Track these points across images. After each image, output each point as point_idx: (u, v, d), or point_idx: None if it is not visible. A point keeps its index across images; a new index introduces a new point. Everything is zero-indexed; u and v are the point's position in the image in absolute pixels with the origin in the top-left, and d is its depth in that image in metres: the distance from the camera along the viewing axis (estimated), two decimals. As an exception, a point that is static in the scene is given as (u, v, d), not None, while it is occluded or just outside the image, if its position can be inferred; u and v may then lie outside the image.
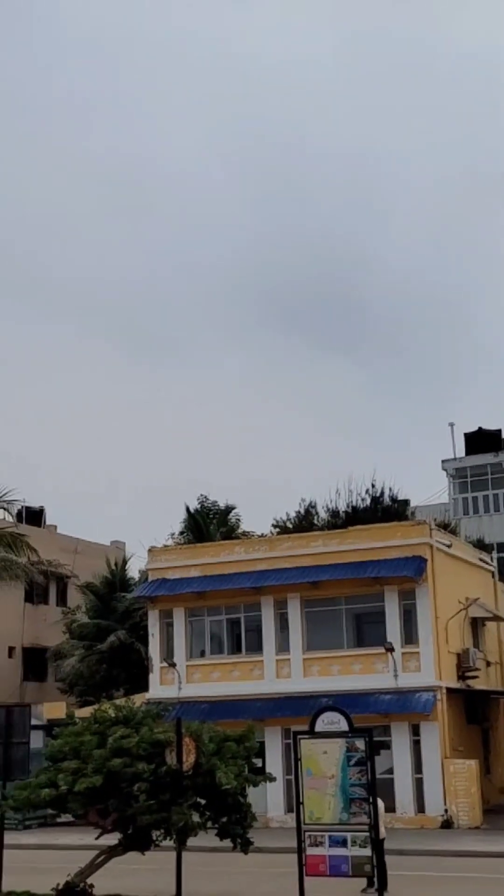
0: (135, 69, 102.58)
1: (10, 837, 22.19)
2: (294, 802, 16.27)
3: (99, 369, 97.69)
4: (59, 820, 31.33)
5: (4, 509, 24.18)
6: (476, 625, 37.43)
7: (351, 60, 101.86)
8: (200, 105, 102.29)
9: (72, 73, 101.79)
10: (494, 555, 44.63)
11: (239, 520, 48.83)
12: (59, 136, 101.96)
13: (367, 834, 15.27)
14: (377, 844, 15.61)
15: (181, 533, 47.71)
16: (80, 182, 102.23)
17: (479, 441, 58.73)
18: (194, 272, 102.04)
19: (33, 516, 49.74)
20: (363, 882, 18.36)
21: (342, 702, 27.90)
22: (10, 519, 34.61)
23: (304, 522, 47.24)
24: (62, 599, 50.19)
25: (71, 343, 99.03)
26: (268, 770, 24.28)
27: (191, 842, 17.61)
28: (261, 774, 18.81)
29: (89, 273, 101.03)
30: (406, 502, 47.02)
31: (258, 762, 19.93)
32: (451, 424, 59.62)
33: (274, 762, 32.35)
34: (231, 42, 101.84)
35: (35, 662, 48.36)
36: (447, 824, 31.23)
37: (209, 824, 17.73)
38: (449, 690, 33.24)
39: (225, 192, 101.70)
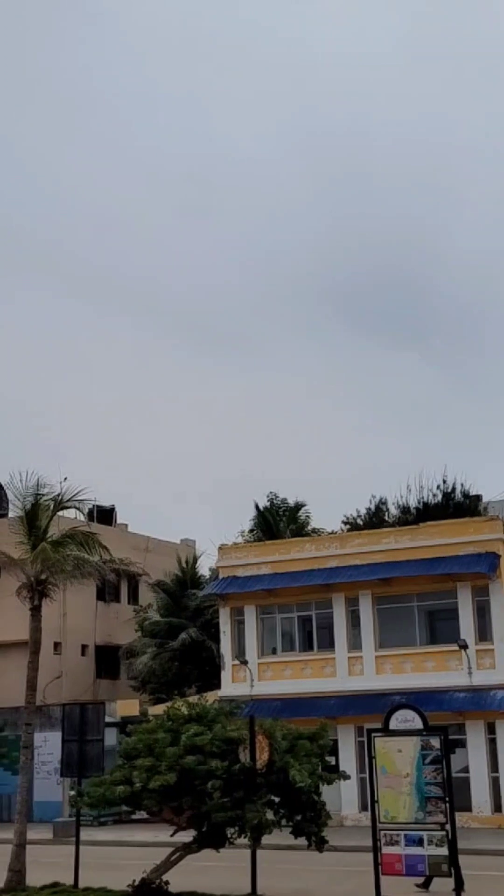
0: (199, 62, 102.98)
1: (85, 834, 22.44)
2: (368, 801, 16.15)
3: (166, 367, 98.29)
4: (133, 817, 31.59)
5: (76, 508, 24.31)
6: (551, 621, 36.87)
7: (416, 44, 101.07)
8: (263, 98, 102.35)
9: (137, 69, 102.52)
10: None
11: (309, 517, 48.70)
12: (124, 133, 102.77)
13: (444, 833, 15.11)
14: (454, 844, 15.43)
15: (251, 531, 47.73)
16: (144, 178, 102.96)
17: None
18: (260, 267, 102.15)
19: (104, 515, 50.14)
20: (441, 882, 18.16)
21: (415, 700, 27.71)
22: (82, 518, 34.95)
23: (375, 519, 46.96)
24: (134, 597, 50.53)
25: (137, 341, 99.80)
26: (341, 768, 24.13)
27: (265, 839, 17.59)
28: (334, 772, 18.73)
29: (154, 270, 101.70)
30: (478, 498, 46.44)
31: (331, 760, 19.81)
32: (524, 418, 58.82)
33: (347, 760, 32.21)
34: (294, 31, 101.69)
35: (108, 660, 48.75)
36: (524, 824, 30.82)
37: (283, 822, 17.70)
38: (524, 688, 32.80)
39: (289, 185, 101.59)
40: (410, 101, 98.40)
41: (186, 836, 18.31)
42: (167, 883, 17.89)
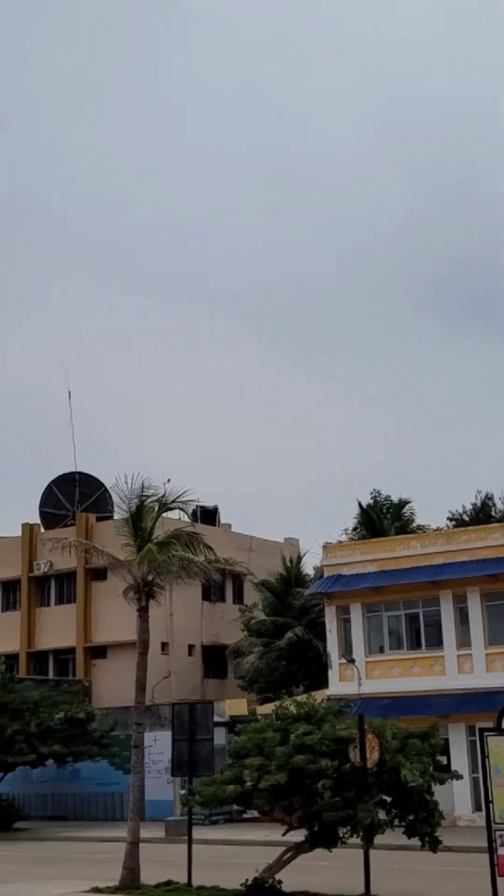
0: (286, 59, 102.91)
1: (197, 832, 22.57)
2: (482, 800, 15.86)
3: (265, 366, 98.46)
4: (244, 816, 31.65)
5: (181, 509, 24.44)
6: None
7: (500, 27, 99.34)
8: (349, 95, 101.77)
9: (227, 69, 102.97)
10: None
11: (413, 514, 48.24)
12: (214, 133, 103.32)
13: None
14: None
15: (354, 529, 47.48)
16: (237, 179, 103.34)
17: None
18: (354, 265, 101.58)
19: (207, 516, 50.42)
20: None
21: (528, 697, 27.15)
22: (186, 519, 35.18)
23: (481, 515, 46.29)
24: (239, 597, 50.71)
25: (236, 342, 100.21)
26: (453, 768, 23.79)
27: (377, 839, 17.44)
28: (446, 772, 18.48)
29: (248, 271, 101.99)
30: None
31: (443, 759, 19.55)
32: None
33: (459, 759, 31.76)
34: (376, 27, 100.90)
35: (215, 660, 49.04)
36: None
37: (395, 822, 17.53)
38: None
39: (379, 182, 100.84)
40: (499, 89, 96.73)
41: (298, 835, 18.26)
42: (280, 882, 17.86)
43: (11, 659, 46.41)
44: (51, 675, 48.27)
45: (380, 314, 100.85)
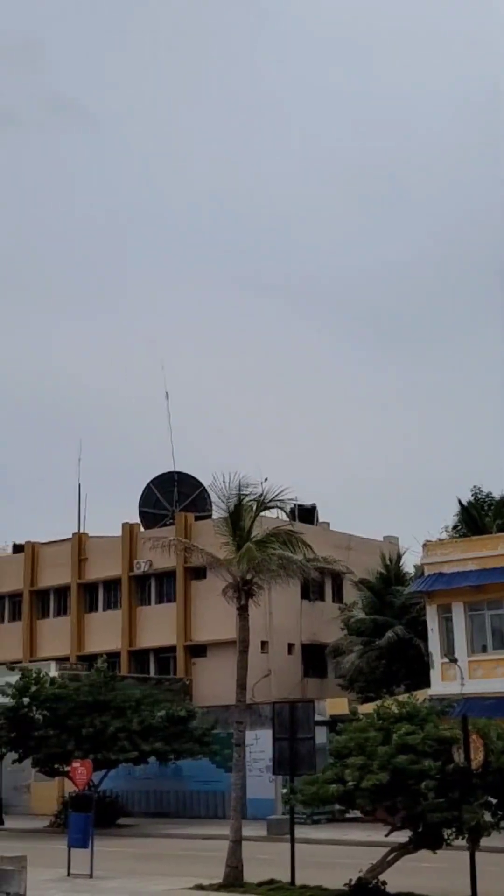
0: (375, 55, 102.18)
1: (299, 831, 22.50)
2: None
3: (360, 363, 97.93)
4: (347, 816, 31.47)
5: (279, 508, 24.40)
6: None
7: None
8: (448, 88, 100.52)
9: (318, 67, 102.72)
10: None
11: (516, 510, 47.31)
12: (312, 132, 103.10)
13: None
14: None
15: (454, 527, 46.84)
16: (332, 176, 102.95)
17: None
18: (448, 259, 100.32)
19: (306, 514, 50.30)
20: None
21: None
22: (284, 517, 35.15)
23: None
24: (338, 596, 50.50)
25: (328, 338, 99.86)
26: None
27: (483, 841, 17.15)
28: None
29: (344, 269, 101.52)
30: None
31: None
32: None
33: None
34: (480, 21, 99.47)
35: (314, 658, 48.92)
36: None
37: (501, 824, 17.23)
38: None
39: (477, 175, 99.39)
40: None
41: (401, 836, 18.07)
42: (384, 883, 17.69)
43: (113, 657, 47.01)
44: (152, 673, 48.74)
45: (475, 304, 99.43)
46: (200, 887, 19.75)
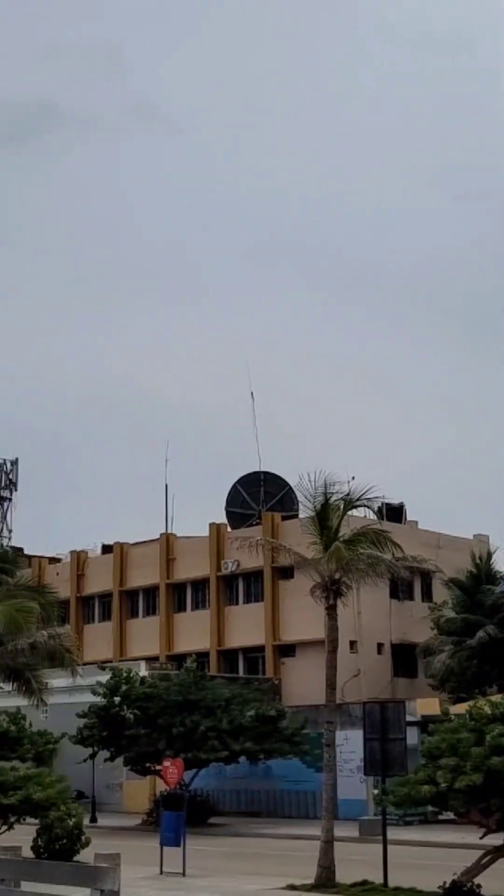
0: (468, 54, 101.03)
1: (391, 833, 22.28)
2: None
3: (449, 359, 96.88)
4: (440, 817, 31.09)
5: (366, 506, 24.22)
6: None
7: None
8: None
9: (413, 65, 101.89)
10: None
11: None
12: (393, 128, 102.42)
13: None
14: None
15: (546, 524, 46.05)
16: (417, 174, 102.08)
17: None
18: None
19: (393, 513, 49.88)
20: None
21: None
22: (372, 516, 34.89)
23: None
24: (427, 595, 49.98)
25: (414, 336, 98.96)
26: None
27: None
28: None
29: (427, 268, 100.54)
30: None
31: None
32: None
33: None
34: None
35: (404, 658, 48.51)
36: None
37: None
38: None
39: None
40: None
41: (496, 839, 17.76)
42: (479, 886, 17.41)
43: (202, 657, 47.23)
44: (241, 672, 48.84)
45: None
46: (293, 887, 19.69)
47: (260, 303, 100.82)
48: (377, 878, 19.52)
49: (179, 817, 22.41)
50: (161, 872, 21.77)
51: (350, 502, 22.07)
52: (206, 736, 35.45)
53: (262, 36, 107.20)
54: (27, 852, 19.50)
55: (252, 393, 55.63)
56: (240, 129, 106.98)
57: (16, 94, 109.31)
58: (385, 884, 19.32)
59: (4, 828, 24.23)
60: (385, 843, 20.37)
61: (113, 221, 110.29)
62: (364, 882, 19.53)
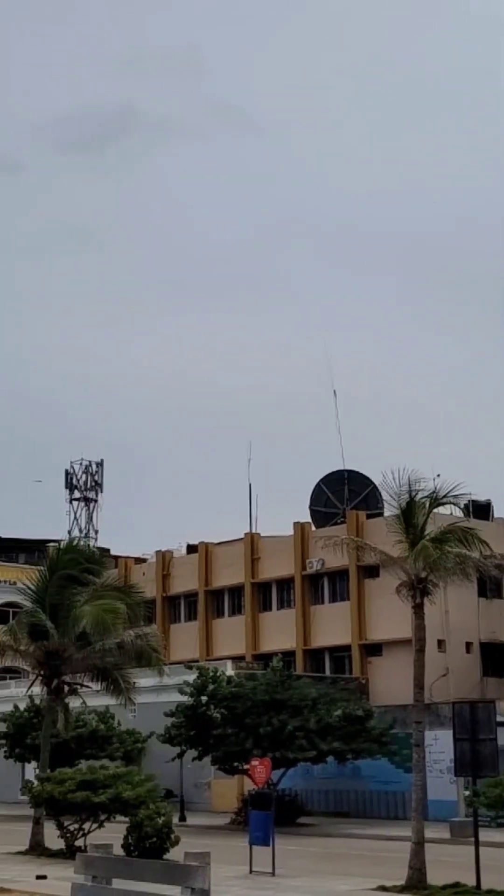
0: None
1: (483, 834, 21.93)
2: None
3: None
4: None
5: (452, 504, 23.90)
6: None
7: None
8: None
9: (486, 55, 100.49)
10: None
11: None
12: (474, 124, 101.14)
13: None
14: None
15: None
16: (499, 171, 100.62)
17: None
18: None
19: (480, 510, 49.21)
20: None
21: None
22: (459, 513, 34.46)
23: None
24: (516, 593, 49.25)
25: (498, 329, 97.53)
26: None
27: None
28: None
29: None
30: None
31: None
32: None
33: None
34: None
35: (494, 658, 47.82)
36: None
37: None
38: None
39: None
40: None
41: None
42: None
43: (288, 656, 47.14)
44: (327, 672, 48.66)
45: None
46: (383, 888, 19.51)
47: (342, 301, 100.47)
48: (469, 881, 19.23)
49: (268, 817, 22.34)
50: (251, 872, 21.74)
51: (436, 500, 21.79)
52: (294, 735, 35.36)
53: (340, 34, 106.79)
54: (118, 850, 19.64)
55: (335, 391, 55.47)
56: (320, 127, 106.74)
57: (96, 99, 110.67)
58: (478, 886, 19.02)
59: (95, 826, 24.49)
60: (477, 845, 20.04)
61: (194, 223, 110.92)
62: (456, 884, 19.26)
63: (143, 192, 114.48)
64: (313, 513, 53.08)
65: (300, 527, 51.09)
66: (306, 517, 52.59)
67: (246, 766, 32.13)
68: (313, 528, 51.59)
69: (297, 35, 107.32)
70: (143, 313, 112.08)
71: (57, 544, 30.86)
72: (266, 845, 21.89)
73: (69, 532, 70.37)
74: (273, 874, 21.31)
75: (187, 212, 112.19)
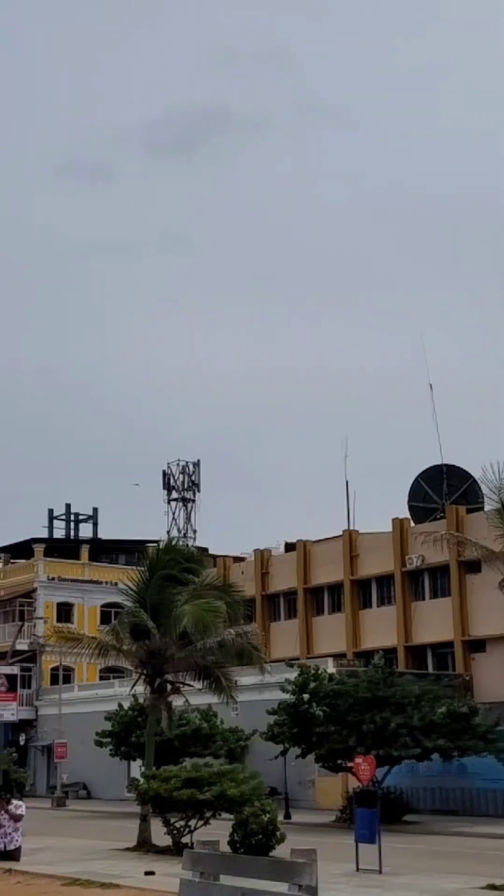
0: None
1: None
2: None
3: None
4: None
5: None
6: None
7: None
8: None
9: None
10: None
11: None
12: None
13: None
14: None
15: None
16: None
17: None
18: None
19: None
20: None
21: None
22: None
23: None
24: None
25: None
26: None
27: None
28: None
29: None
30: None
31: None
32: None
33: None
34: None
35: None
36: None
37: None
38: None
39: None
40: None
41: None
42: None
43: (390, 653, 46.82)
44: (429, 669, 48.20)
45: None
46: (493, 887, 19.20)
47: (436, 292, 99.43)
48: None
49: (374, 814, 22.22)
50: (357, 869, 21.64)
51: (539, 492, 21.44)
52: (398, 733, 35.10)
53: (426, 24, 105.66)
54: (224, 847, 19.73)
55: (431, 384, 54.93)
56: (411, 119, 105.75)
57: (185, 101, 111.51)
58: None
59: (200, 823, 24.66)
60: None
61: (284, 219, 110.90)
62: None
63: (234, 190, 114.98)
64: (412, 508, 52.61)
65: (399, 523, 50.70)
66: (405, 513, 52.17)
67: (350, 764, 32.00)
68: (412, 523, 51.15)
69: (385, 27, 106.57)
70: (236, 312, 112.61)
71: (156, 545, 31.07)
72: (372, 843, 21.77)
73: (168, 532, 71.01)
74: (380, 872, 21.18)
75: (278, 208, 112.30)
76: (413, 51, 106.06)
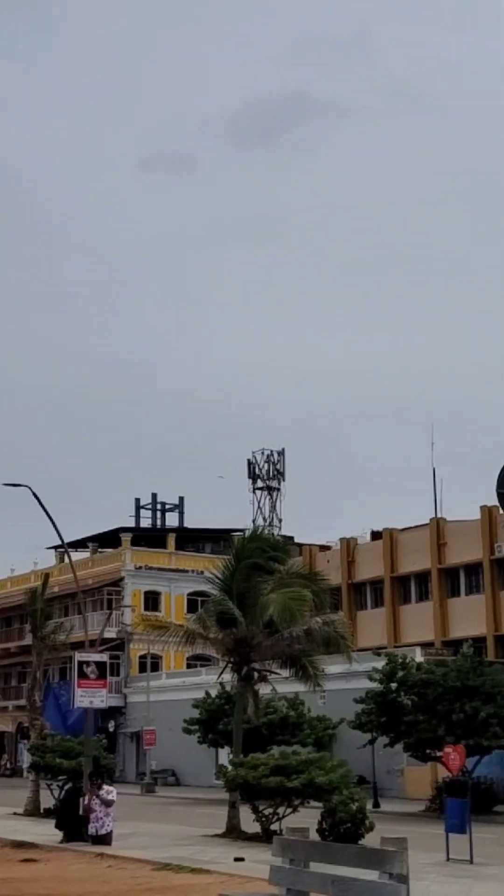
0: None
1: None
2: None
3: None
4: None
5: None
6: None
7: None
8: None
9: None
10: None
11: None
12: None
13: None
14: None
15: None
16: None
17: None
18: None
19: None
20: None
21: None
22: None
23: None
24: None
25: None
26: None
27: None
28: None
29: None
30: None
31: None
32: None
33: None
34: None
35: None
36: None
37: None
38: None
39: None
40: None
41: None
42: None
43: (479, 642, 46.29)
44: (520, 658, 47.53)
45: None
46: None
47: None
48: None
49: (464, 804, 21.94)
50: (447, 859, 21.40)
51: None
52: (488, 723, 34.67)
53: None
54: (313, 835, 19.68)
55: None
56: (495, 99, 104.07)
57: (267, 89, 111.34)
58: None
59: (289, 810, 24.65)
60: None
61: (369, 204, 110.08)
62: None
63: (318, 178, 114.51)
64: (501, 496, 51.78)
65: (487, 510, 50.04)
66: (493, 500, 51.39)
67: (439, 754, 31.71)
68: (501, 511, 50.41)
69: (466, 7, 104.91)
70: (320, 300, 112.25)
71: (242, 533, 31.18)
72: (463, 833, 21.52)
73: (253, 521, 71.15)
74: (471, 862, 20.93)
75: (363, 194, 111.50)
76: (499, 31, 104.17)
